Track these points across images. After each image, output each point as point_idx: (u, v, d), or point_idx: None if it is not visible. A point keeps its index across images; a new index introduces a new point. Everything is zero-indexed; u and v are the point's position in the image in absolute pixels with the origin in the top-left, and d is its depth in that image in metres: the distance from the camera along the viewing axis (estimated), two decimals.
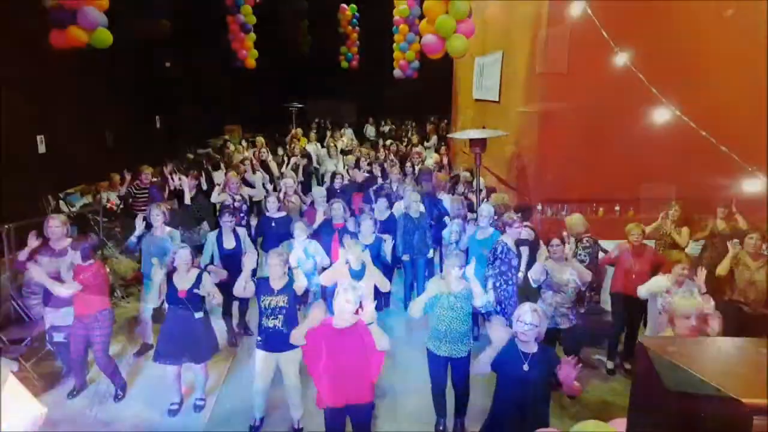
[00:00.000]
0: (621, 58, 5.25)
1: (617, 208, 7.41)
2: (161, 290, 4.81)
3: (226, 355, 5.88)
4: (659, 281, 5.08)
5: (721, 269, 5.38)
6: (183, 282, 4.63)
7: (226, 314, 6.09)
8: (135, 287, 7.29)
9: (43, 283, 4.67)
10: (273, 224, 6.49)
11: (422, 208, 6.86)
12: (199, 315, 4.69)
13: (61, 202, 8.97)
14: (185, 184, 7.23)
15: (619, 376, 5.64)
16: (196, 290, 4.63)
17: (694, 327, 3.59)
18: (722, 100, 6.54)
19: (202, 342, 4.75)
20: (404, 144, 14.01)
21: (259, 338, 4.50)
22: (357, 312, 3.73)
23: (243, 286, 4.43)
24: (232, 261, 5.63)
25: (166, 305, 4.83)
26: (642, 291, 5.14)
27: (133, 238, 5.72)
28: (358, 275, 4.88)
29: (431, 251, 6.88)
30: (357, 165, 9.80)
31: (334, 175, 8.48)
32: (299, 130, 14.10)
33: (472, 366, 3.82)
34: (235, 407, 5.01)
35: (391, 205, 7.33)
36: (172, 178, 7.69)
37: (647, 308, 5.50)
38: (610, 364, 5.76)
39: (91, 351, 5.03)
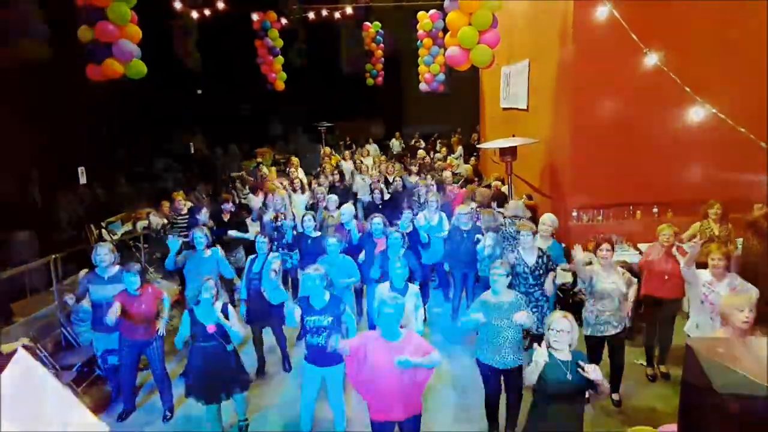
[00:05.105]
0: (651, 59, 5.18)
1: (655, 210, 7.27)
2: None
3: (269, 377, 5.94)
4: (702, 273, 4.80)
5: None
6: (210, 316, 4.53)
7: (257, 343, 5.96)
8: (177, 310, 7.44)
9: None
10: (309, 242, 6.56)
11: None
12: (231, 347, 4.61)
13: (103, 230, 9.30)
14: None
15: (664, 382, 5.48)
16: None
17: (748, 320, 3.51)
18: (759, 96, 6.41)
19: (237, 375, 4.70)
20: (431, 156, 14.06)
21: (306, 352, 4.52)
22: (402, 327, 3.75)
23: (295, 317, 4.40)
24: (257, 284, 5.62)
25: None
26: (686, 269, 4.79)
27: (171, 257, 5.83)
28: (401, 293, 4.73)
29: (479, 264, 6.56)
30: (385, 182, 9.81)
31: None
32: (328, 149, 14.30)
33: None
34: (281, 425, 5.05)
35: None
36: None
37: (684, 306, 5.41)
38: (649, 370, 5.58)
39: (149, 368, 5.22)
